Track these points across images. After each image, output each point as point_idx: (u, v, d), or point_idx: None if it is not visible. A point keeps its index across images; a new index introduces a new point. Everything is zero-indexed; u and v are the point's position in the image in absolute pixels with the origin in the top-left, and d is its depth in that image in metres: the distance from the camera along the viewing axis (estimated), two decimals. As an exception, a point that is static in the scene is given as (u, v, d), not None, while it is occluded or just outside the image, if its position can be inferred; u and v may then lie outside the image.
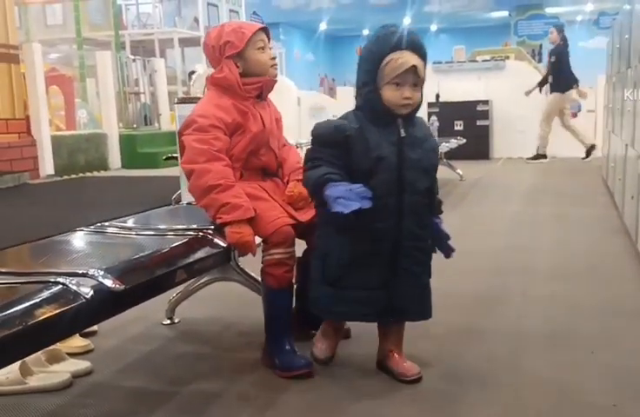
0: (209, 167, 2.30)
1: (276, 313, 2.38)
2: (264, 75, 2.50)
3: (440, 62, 10.81)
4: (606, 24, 16.75)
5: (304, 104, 10.91)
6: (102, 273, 1.88)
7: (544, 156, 9.66)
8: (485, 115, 9.97)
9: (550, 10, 18.40)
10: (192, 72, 9.39)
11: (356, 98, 2.23)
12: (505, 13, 19.64)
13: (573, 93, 9.50)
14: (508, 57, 11.97)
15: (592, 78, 10.26)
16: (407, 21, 20.47)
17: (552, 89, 9.51)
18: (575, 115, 10.04)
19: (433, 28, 22.91)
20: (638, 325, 2.75)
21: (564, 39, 9.43)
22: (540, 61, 17.56)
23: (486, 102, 10.04)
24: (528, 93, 9.68)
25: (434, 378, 2.27)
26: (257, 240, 2.36)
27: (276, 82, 2.59)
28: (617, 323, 2.78)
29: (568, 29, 18.84)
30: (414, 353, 2.38)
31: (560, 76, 9.31)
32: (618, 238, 4.37)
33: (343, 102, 10.84)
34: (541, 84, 9.72)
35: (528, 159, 9.69)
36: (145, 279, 2.04)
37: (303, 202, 2.49)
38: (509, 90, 10.05)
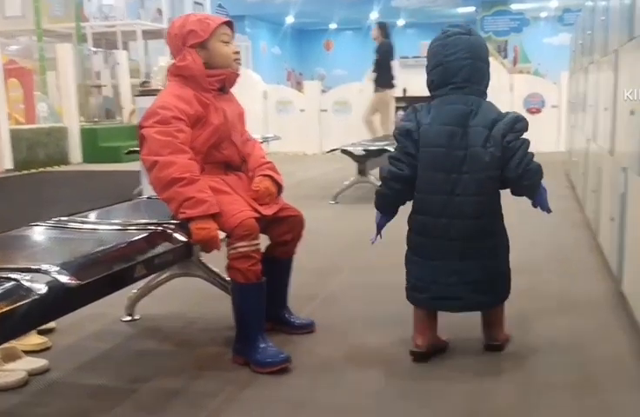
0: (173, 159, 2.25)
1: (248, 308, 2.35)
2: (226, 68, 2.47)
3: (407, 57, 10.85)
4: (570, 21, 16.95)
5: (271, 98, 10.86)
6: (56, 268, 1.84)
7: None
8: (451, 110, 10.01)
9: (515, 7, 18.54)
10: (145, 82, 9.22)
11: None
12: (471, 9, 19.76)
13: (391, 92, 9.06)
14: (474, 53, 12.04)
15: (557, 74, 10.39)
16: (374, 15, 20.49)
17: (377, 88, 9.05)
18: (539, 111, 10.14)
19: (400, 23, 22.96)
20: (600, 317, 2.78)
21: (387, 36, 9.06)
22: (506, 56, 17.72)
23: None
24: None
25: (394, 369, 2.26)
26: (221, 235, 2.32)
27: (238, 75, 2.55)
28: (580, 315, 2.81)
29: (533, 25, 19.15)
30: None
31: (383, 74, 8.99)
32: (580, 231, 4.43)
33: (310, 96, 10.84)
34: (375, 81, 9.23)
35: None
36: (102, 274, 1.99)
37: (269, 198, 2.47)
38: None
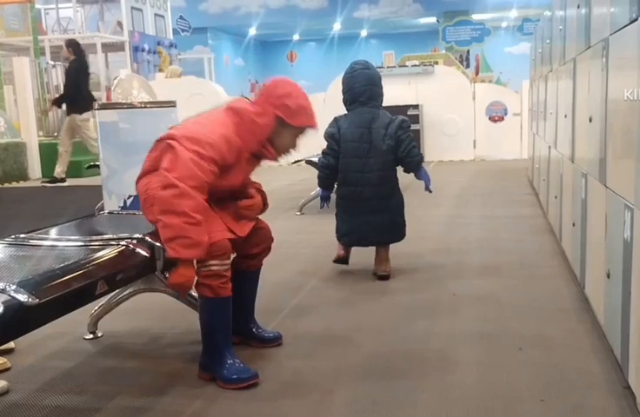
0: (194, 194, 2.20)
1: (215, 323, 2.32)
2: (279, 153, 2.52)
3: (370, 67, 10.94)
4: (530, 30, 17.27)
5: (235, 110, 10.82)
6: (14, 287, 1.79)
7: (63, 180, 8.84)
8: (416, 119, 10.10)
9: (476, 17, 18.84)
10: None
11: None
12: (433, 19, 20.02)
13: (88, 114, 8.59)
14: (437, 63, 12.18)
15: (518, 83, 10.56)
16: (337, 26, 20.64)
17: (69, 111, 8.70)
18: (501, 119, 10.29)
19: (363, 33, 23.16)
20: (565, 321, 2.80)
21: (79, 54, 8.59)
22: (468, 66, 17.96)
23: (416, 107, 10.18)
24: (45, 112, 9.22)
25: (363, 381, 2.25)
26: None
27: (275, 161, 2.63)
28: (545, 320, 2.82)
29: (494, 35, 19.47)
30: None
31: (76, 96, 8.58)
32: (544, 236, 4.48)
33: (275, 107, 10.83)
34: (57, 102, 8.95)
35: (44, 182, 8.92)
36: (62, 292, 1.94)
37: (256, 212, 2.53)
38: (438, 95, 10.23)
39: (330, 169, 3.53)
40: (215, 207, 2.38)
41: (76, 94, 8.53)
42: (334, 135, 3.50)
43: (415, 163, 3.48)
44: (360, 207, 3.47)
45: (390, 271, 3.56)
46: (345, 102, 3.55)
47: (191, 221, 2.18)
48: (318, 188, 3.71)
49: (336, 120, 3.55)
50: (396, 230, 3.57)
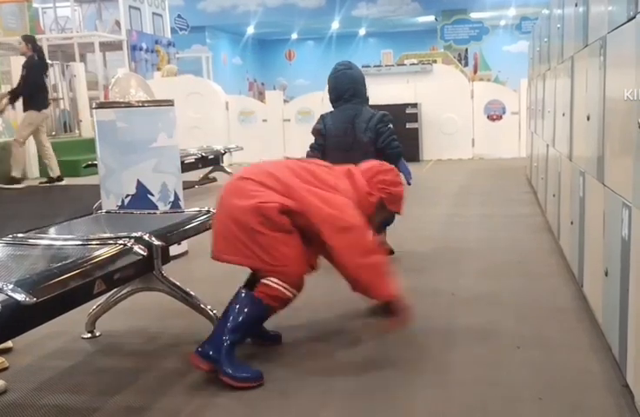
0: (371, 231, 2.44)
1: (249, 323, 2.36)
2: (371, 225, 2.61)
3: (369, 66, 10.90)
4: (528, 29, 17.25)
5: (233, 109, 10.82)
6: (11, 286, 1.78)
7: (19, 181, 8.56)
8: (414, 117, 10.10)
9: (474, 15, 18.82)
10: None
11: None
12: (431, 18, 20.00)
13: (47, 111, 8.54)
14: (435, 61, 12.18)
15: (516, 81, 10.55)
16: (335, 25, 20.61)
17: (26, 107, 8.44)
18: (500, 118, 10.29)
19: (361, 32, 23.14)
20: (563, 320, 2.80)
21: (36, 50, 8.36)
22: (466, 65, 17.95)
23: (415, 106, 10.17)
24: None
25: (362, 380, 2.25)
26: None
27: None
28: (543, 319, 2.83)
29: (492, 33, 19.45)
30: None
31: (34, 92, 8.32)
32: (542, 235, 4.48)
33: (273, 106, 10.82)
34: (12, 99, 8.59)
35: (42, 183, 8.74)
36: (60, 291, 1.94)
37: None
38: (436, 93, 10.22)
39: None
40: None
41: (35, 90, 8.37)
42: (320, 131, 3.83)
43: (394, 155, 3.70)
44: None
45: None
46: (331, 100, 3.87)
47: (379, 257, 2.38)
48: None
49: (322, 117, 3.87)
50: None
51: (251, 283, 2.43)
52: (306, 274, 2.41)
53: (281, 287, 2.33)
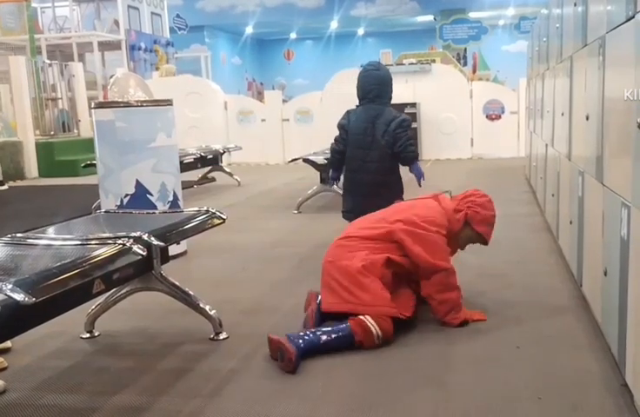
0: (453, 269, 2.81)
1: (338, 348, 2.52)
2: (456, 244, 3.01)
3: (367, 66, 10.92)
4: (527, 29, 17.24)
5: (232, 108, 10.82)
6: (10, 286, 1.78)
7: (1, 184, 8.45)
8: (413, 117, 10.07)
9: (473, 15, 18.81)
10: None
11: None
12: (430, 17, 19.99)
13: None
14: (434, 61, 12.17)
15: (515, 81, 10.55)
16: (334, 25, 20.60)
17: None
18: (498, 117, 10.29)
19: (360, 32, 23.13)
20: (563, 320, 2.80)
21: None
22: (465, 64, 17.95)
23: (414, 105, 10.18)
24: None
25: (360, 379, 2.25)
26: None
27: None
28: (543, 318, 2.83)
29: (491, 33, 19.44)
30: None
31: None
32: (542, 235, 4.48)
33: (272, 105, 10.83)
34: None
35: None
36: (59, 291, 1.94)
37: None
38: (435, 93, 10.23)
39: (339, 154, 4.06)
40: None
41: None
42: (344, 126, 4.02)
43: (409, 158, 3.93)
44: (359, 190, 3.97)
45: None
46: (358, 97, 4.05)
47: (458, 292, 2.81)
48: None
49: (347, 112, 4.08)
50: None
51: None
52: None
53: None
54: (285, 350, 2.34)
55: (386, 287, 2.67)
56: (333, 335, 2.50)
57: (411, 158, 3.92)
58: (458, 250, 3.06)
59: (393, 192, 3.86)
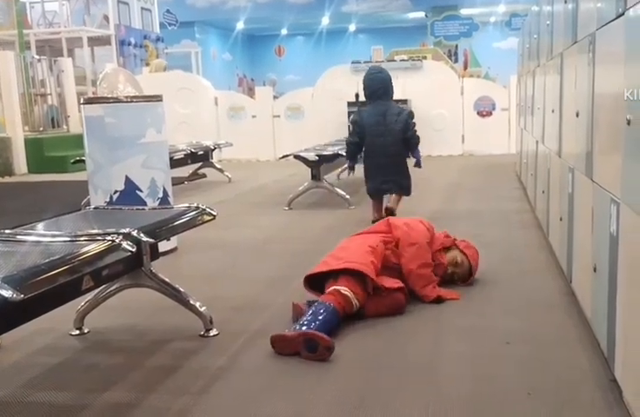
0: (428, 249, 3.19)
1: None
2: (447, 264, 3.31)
3: (359, 62, 10.87)
4: (518, 25, 17.26)
5: (222, 104, 10.78)
6: (-2, 283, 1.76)
7: None
8: (404, 114, 10.10)
9: (464, 12, 18.84)
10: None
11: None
12: (422, 14, 19.99)
13: None
14: (425, 57, 12.17)
15: (506, 78, 10.56)
16: (325, 21, 20.57)
17: None
18: (489, 114, 10.30)
19: (351, 28, 23.11)
20: (552, 316, 2.81)
21: None
22: (456, 61, 17.97)
23: (405, 102, 10.15)
24: None
25: (350, 376, 2.25)
26: None
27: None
28: (533, 314, 2.84)
29: (482, 29, 19.46)
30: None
31: None
32: (532, 231, 4.49)
33: (262, 101, 10.79)
34: None
35: None
36: (47, 288, 1.92)
37: None
38: (426, 90, 10.23)
39: (355, 145, 4.97)
40: None
41: None
42: (357, 122, 4.93)
43: (414, 144, 4.91)
44: (379, 171, 4.88)
45: (395, 210, 4.89)
46: (365, 96, 4.99)
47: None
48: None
49: (359, 111, 5.09)
50: (403, 187, 4.98)
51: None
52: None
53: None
54: (320, 339, 2.37)
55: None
56: (322, 311, 2.58)
57: (417, 143, 4.91)
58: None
59: (404, 171, 4.94)
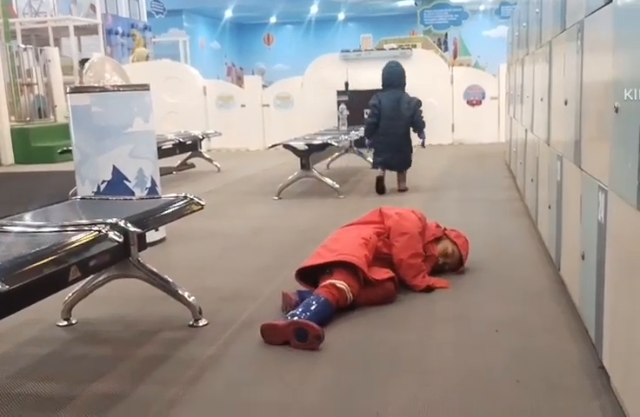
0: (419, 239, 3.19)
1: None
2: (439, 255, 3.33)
3: (348, 51, 10.83)
4: (507, 14, 17.18)
5: (211, 94, 10.71)
6: (-18, 274, 1.75)
7: None
8: (393, 102, 10.07)
9: (454, 0, 18.78)
10: (84, 60, 8.79)
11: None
12: (411, 2, 19.89)
13: None
14: (415, 46, 12.12)
15: (496, 66, 10.55)
16: (314, 9, 20.46)
17: None
18: (479, 103, 10.29)
19: (341, 16, 23.00)
20: (541, 303, 2.82)
21: None
22: (446, 50, 17.91)
23: (394, 90, 10.14)
24: None
25: (338, 366, 2.25)
26: None
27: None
28: (521, 302, 2.84)
29: (472, 18, 19.39)
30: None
31: None
32: (521, 219, 4.50)
33: (251, 90, 10.74)
34: None
35: None
36: (34, 278, 1.91)
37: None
38: (416, 79, 10.13)
39: (374, 125, 5.87)
40: None
41: None
42: (376, 105, 5.84)
43: (421, 126, 5.93)
44: (390, 147, 5.85)
45: (407, 188, 5.97)
46: (383, 85, 5.96)
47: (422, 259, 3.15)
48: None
49: (377, 95, 5.93)
50: (407, 162, 6.00)
51: None
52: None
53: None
54: (309, 328, 2.37)
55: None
56: (314, 302, 2.59)
57: (422, 126, 5.92)
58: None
59: (409, 149, 5.96)
